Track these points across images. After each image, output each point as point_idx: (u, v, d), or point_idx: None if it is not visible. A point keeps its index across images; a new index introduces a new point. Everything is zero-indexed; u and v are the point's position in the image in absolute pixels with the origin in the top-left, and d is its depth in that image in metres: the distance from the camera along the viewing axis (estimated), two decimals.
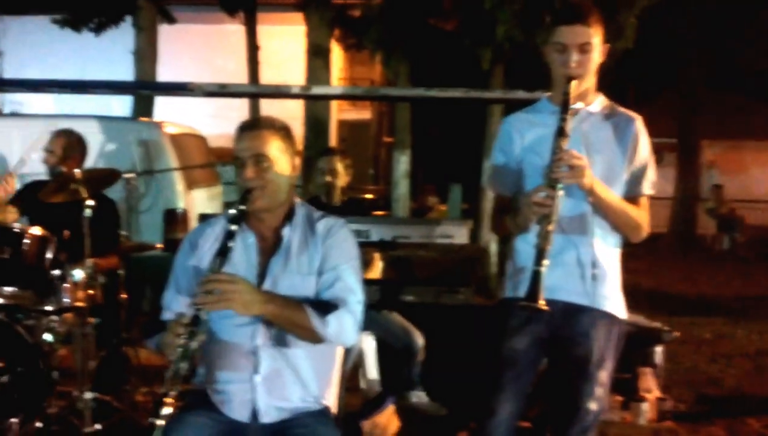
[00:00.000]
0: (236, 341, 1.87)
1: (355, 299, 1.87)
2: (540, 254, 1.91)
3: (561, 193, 1.90)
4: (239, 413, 1.87)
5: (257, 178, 1.83)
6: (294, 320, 1.78)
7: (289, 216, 1.93)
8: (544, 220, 1.91)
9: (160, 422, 1.61)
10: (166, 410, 1.63)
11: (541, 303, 1.90)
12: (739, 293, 7.80)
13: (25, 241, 2.96)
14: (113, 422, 3.11)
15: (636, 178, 2.07)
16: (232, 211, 1.79)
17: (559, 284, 2.04)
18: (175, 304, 1.93)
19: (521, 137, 2.14)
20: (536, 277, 1.90)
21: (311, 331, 1.79)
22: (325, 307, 1.83)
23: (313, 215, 1.97)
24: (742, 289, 8.15)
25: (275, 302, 1.77)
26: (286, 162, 1.89)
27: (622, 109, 2.12)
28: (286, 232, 1.91)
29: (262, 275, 1.87)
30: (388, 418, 3.14)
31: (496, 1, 5.91)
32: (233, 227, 1.76)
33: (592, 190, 1.97)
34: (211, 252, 1.89)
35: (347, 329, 1.84)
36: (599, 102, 2.12)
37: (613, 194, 2.02)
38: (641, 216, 2.07)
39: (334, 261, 1.88)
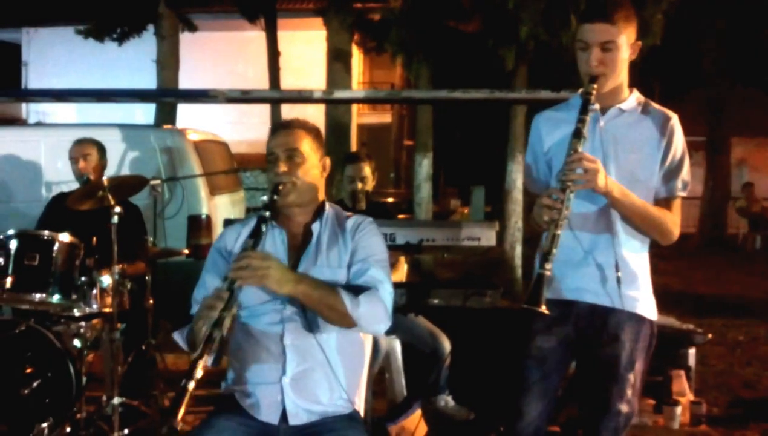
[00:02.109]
0: (264, 343, 1.87)
1: (385, 289, 1.88)
2: (544, 257, 1.87)
3: (572, 196, 1.87)
4: (268, 415, 1.86)
5: (289, 173, 1.89)
6: (326, 300, 1.79)
7: (319, 213, 1.96)
8: (552, 223, 1.87)
9: (192, 385, 1.60)
10: (199, 373, 1.62)
11: (543, 308, 1.85)
12: None
13: (55, 247, 2.99)
14: (141, 426, 3.12)
15: (668, 179, 2.01)
16: (264, 198, 1.84)
17: (585, 285, 2.02)
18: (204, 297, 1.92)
19: (549, 135, 2.11)
20: (539, 280, 1.86)
21: (343, 313, 1.79)
22: (357, 290, 1.84)
23: (342, 214, 2.01)
24: None
25: (307, 281, 1.79)
26: (317, 161, 1.95)
27: (657, 107, 2.06)
28: (315, 228, 1.94)
29: (293, 270, 1.87)
30: (415, 423, 3.11)
31: (519, 0, 5.85)
32: (266, 213, 1.80)
33: (608, 193, 1.92)
34: (239, 252, 1.88)
35: (379, 314, 1.84)
36: (633, 99, 2.06)
37: (633, 197, 1.96)
38: (670, 219, 2.01)
39: (363, 254, 1.92)
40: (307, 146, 1.93)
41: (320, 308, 1.80)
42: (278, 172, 1.89)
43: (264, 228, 1.79)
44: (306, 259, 1.90)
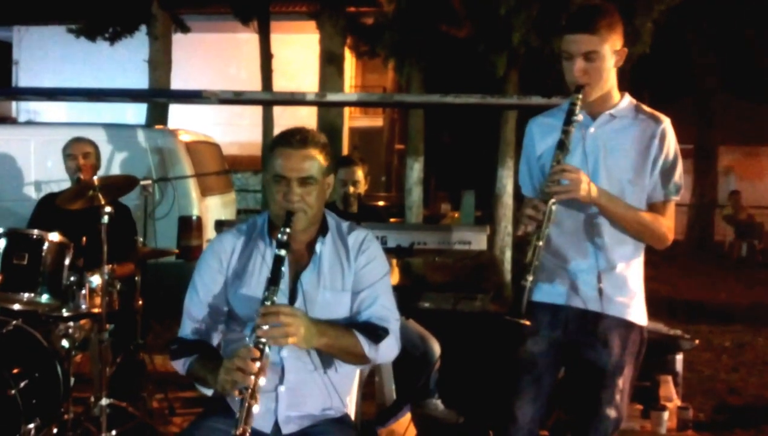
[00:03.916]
0: None
1: (394, 318, 1.89)
2: (525, 269, 1.88)
3: (554, 207, 1.88)
4: (261, 423, 1.83)
5: (302, 202, 1.80)
6: (346, 348, 1.78)
7: (321, 230, 1.90)
8: (533, 234, 1.88)
9: None
10: (257, 408, 1.60)
11: (524, 319, 1.86)
12: (759, 301, 7.69)
13: (44, 247, 2.97)
14: (129, 428, 3.10)
15: (660, 183, 2.01)
16: (281, 236, 1.74)
17: (573, 290, 2.03)
18: (199, 315, 1.90)
19: (542, 141, 2.12)
20: (520, 291, 1.87)
21: (361, 356, 1.80)
22: (372, 329, 1.83)
23: (342, 227, 1.95)
24: (761, 296, 8.02)
25: (329, 333, 1.75)
26: (324, 178, 1.86)
27: (649, 111, 2.07)
28: (318, 247, 1.88)
29: (293, 290, 1.85)
30: (404, 426, 3.11)
31: (511, 6, 5.89)
32: (282, 253, 1.72)
33: (594, 201, 1.93)
34: (236, 264, 1.88)
35: (392, 349, 1.87)
36: (625, 103, 2.06)
37: (622, 204, 1.97)
38: (663, 223, 2.01)
39: (370, 279, 1.88)
40: (319, 167, 1.82)
41: (340, 354, 1.80)
42: (291, 200, 1.78)
43: (284, 269, 1.72)
44: (308, 280, 1.85)
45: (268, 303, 1.67)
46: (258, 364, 1.61)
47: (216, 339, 1.93)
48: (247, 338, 1.70)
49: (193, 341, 1.89)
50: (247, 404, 1.60)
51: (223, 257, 1.90)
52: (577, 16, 1.98)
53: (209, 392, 1.87)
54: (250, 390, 1.60)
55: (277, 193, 1.81)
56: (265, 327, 1.63)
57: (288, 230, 1.75)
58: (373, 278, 1.88)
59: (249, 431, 1.60)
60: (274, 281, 1.70)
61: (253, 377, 1.60)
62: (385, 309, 1.87)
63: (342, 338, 1.77)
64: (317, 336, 1.72)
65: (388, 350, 1.84)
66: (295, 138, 1.82)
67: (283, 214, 1.79)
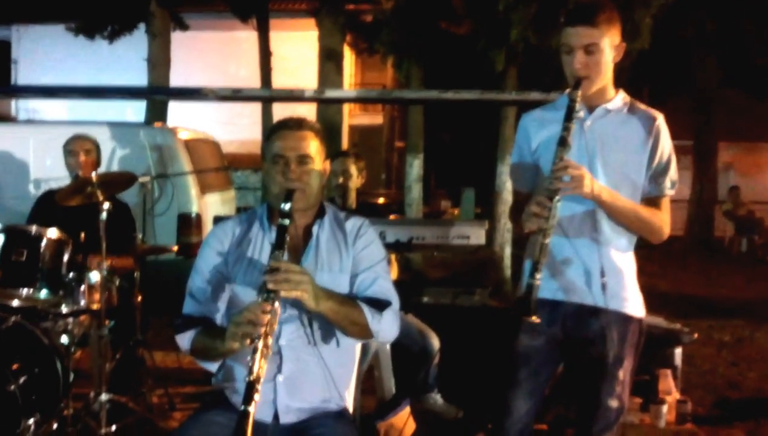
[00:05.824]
0: None
1: (394, 298, 1.91)
2: (534, 267, 1.89)
3: (558, 204, 1.89)
4: (261, 413, 1.84)
5: (300, 180, 1.85)
6: (350, 316, 1.80)
7: (318, 215, 1.95)
8: (540, 232, 1.89)
9: (252, 408, 1.58)
10: (257, 396, 1.60)
11: (534, 318, 1.88)
12: (759, 296, 7.70)
13: (42, 243, 2.97)
14: (129, 423, 3.11)
15: (656, 178, 2.03)
16: (284, 206, 1.78)
17: (571, 286, 2.04)
18: (202, 295, 1.92)
19: (537, 135, 2.13)
20: (530, 290, 1.88)
21: (364, 327, 1.81)
22: (374, 302, 1.85)
23: (340, 215, 1.99)
24: (761, 292, 8.03)
25: (334, 297, 1.78)
26: (321, 164, 1.93)
27: (643, 107, 2.09)
28: (315, 229, 1.93)
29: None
30: (404, 420, 3.11)
31: (510, 3, 5.90)
32: (286, 222, 1.76)
33: (596, 197, 1.94)
34: (236, 250, 1.91)
35: (395, 327, 1.88)
36: (620, 99, 2.08)
37: (622, 200, 1.99)
38: (660, 218, 2.03)
39: (368, 261, 1.91)
40: (315, 150, 1.89)
41: (344, 322, 1.80)
42: (290, 178, 1.84)
43: (287, 237, 1.75)
44: (306, 262, 1.88)
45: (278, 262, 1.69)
46: (268, 317, 1.61)
47: (218, 320, 1.93)
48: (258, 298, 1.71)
49: (198, 316, 1.90)
50: (260, 352, 1.60)
51: (225, 241, 1.94)
52: (577, 9, 2.00)
53: (213, 367, 1.88)
54: (262, 339, 1.60)
55: (277, 174, 1.86)
56: (276, 277, 1.64)
57: (289, 203, 1.79)
58: (371, 261, 1.91)
59: (262, 378, 1.60)
60: (279, 245, 1.73)
61: (264, 328, 1.60)
62: (384, 288, 1.89)
63: (346, 304, 1.80)
64: (324, 298, 1.74)
65: (390, 325, 1.85)
66: (291, 121, 1.91)
67: (282, 193, 1.82)
